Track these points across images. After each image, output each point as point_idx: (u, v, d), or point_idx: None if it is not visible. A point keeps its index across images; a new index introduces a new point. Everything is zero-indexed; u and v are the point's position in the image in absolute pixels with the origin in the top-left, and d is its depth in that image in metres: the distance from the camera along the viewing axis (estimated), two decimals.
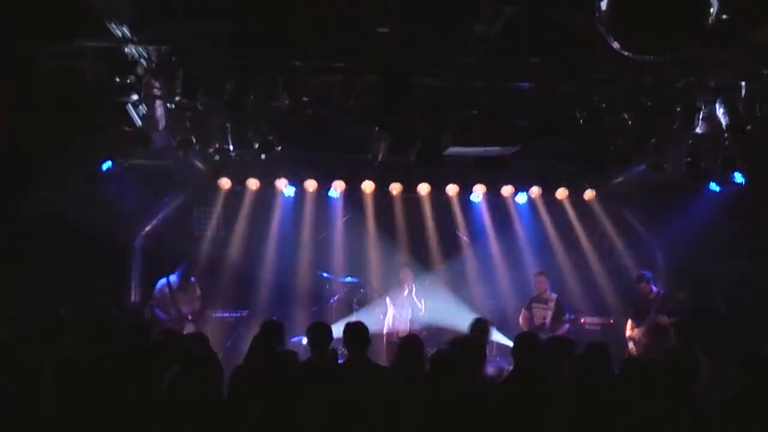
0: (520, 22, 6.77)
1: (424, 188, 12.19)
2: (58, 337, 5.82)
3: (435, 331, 11.29)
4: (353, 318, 7.58)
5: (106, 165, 9.92)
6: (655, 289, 10.33)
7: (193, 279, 10.66)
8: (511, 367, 6.14)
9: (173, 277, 10.50)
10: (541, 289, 10.90)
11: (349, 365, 5.85)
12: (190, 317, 10.33)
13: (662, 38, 4.37)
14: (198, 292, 10.68)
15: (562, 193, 12.29)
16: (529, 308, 10.91)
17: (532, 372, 5.65)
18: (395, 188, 12.13)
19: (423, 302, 11.33)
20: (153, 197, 11.60)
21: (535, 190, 12.37)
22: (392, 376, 5.56)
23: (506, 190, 12.40)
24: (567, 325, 10.72)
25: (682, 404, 4.42)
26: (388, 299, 11.42)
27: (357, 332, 5.91)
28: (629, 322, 10.31)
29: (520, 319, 10.92)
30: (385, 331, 11.26)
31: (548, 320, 10.63)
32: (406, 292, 11.28)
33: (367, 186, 12.04)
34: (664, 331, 9.58)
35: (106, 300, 10.13)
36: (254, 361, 5.98)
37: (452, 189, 12.31)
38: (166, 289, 10.42)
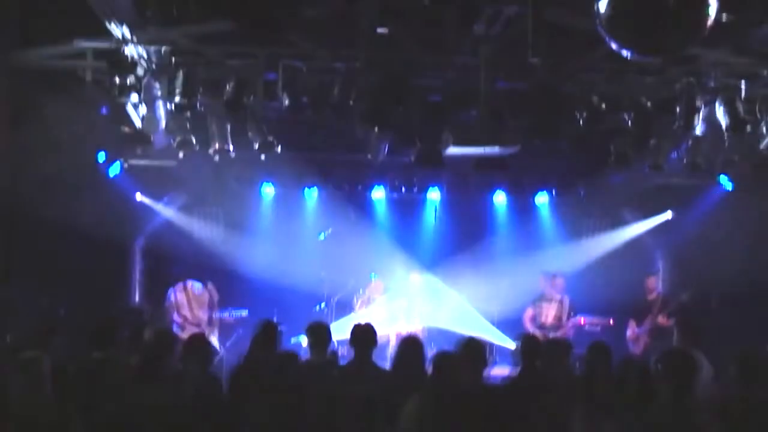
0: (520, 22, 6.77)
1: (428, 192, 12.22)
2: (51, 337, 5.82)
3: (436, 333, 11.29)
4: (353, 318, 7.57)
5: (107, 165, 9.93)
6: (658, 288, 10.32)
7: (210, 284, 10.48)
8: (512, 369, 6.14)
9: (195, 284, 10.35)
10: (556, 290, 10.76)
11: (353, 366, 5.84)
12: (206, 320, 10.28)
13: (662, 38, 4.36)
14: (216, 296, 10.50)
15: (560, 194, 12.29)
16: (535, 306, 10.79)
17: (535, 373, 5.65)
18: (395, 188, 12.13)
19: (422, 303, 11.32)
20: (153, 197, 11.60)
21: (536, 190, 12.36)
22: (395, 378, 5.55)
23: (505, 190, 12.39)
24: (571, 328, 10.66)
25: (681, 405, 4.41)
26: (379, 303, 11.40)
27: (365, 333, 5.92)
28: (631, 323, 10.31)
29: (525, 317, 10.75)
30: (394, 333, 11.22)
31: (563, 319, 10.54)
32: (374, 302, 11.21)
33: (367, 186, 12.04)
34: (665, 332, 9.58)
35: (106, 300, 10.13)
36: (254, 361, 5.98)
37: (454, 189, 12.30)
38: (182, 295, 10.24)
